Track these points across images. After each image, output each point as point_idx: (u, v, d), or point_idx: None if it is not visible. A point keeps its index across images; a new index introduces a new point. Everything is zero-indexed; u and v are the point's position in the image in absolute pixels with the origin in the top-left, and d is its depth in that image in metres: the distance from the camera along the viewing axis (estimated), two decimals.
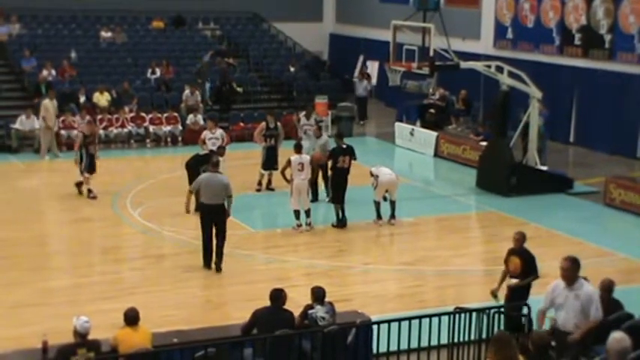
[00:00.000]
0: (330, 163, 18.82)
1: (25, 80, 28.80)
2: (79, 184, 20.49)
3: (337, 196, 18.39)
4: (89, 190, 20.29)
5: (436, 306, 12.99)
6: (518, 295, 11.89)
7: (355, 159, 18.65)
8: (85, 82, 28.93)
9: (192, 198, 16.59)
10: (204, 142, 20.18)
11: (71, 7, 33.83)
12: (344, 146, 18.57)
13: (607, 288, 10.86)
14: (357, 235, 18.05)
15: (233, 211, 15.86)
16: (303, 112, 22.77)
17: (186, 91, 28.70)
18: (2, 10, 31.98)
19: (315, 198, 19.54)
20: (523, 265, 12.05)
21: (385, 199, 18.59)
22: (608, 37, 25.92)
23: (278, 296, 10.57)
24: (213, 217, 15.31)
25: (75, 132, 25.88)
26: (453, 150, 25.38)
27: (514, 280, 12.12)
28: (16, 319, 13.13)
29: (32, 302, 13.87)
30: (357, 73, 34.60)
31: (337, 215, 18.38)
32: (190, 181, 17.26)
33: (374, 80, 33.21)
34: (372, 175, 18.53)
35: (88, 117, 24.56)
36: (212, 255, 15.35)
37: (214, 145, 19.84)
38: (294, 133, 23.55)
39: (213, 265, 15.32)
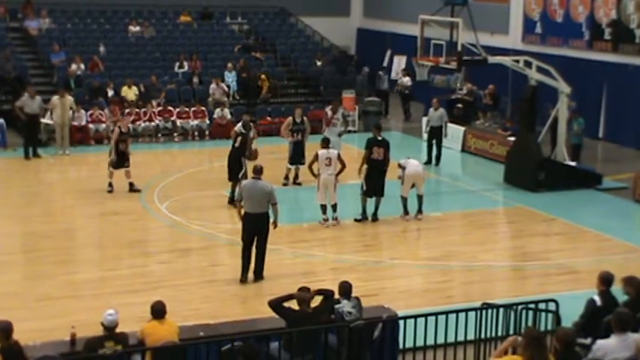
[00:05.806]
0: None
1: (55, 74, 28.98)
2: (131, 185, 20.30)
3: (368, 190, 18.17)
4: (110, 184, 20.15)
5: (463, 301, 12.91)
6: None
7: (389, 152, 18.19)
8: (114, 76, 29.11)
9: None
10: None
11: (100, 1, 34.20)
12: (379, 138, 18.36)
13: (636, 285, 10.54)
14: (384, 230, 18.00)
15: None
16: (330, 107, 22.76)
17: (212, 85, 28.84)
18: (32, 5, 32.27)
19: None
20: None
21: (413, 186, 18.41)
22: (638, 32, 25.66)
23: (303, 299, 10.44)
24: (255, 227, 14.37)
25: (104, 125, 26.10)
26: (480, 145, 25.27)
27: None
28: (44, 311, 13.21)
29: (60, 295, 13.95)
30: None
31: (363, 209, 18.25)
32: None
33: (393, 74, 33.08)
34: (399, 166, 18.45)
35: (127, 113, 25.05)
36: (249, 269, 14.52)
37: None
38: (321, 128, 23.26)
39: (251, 275, 14.49)
